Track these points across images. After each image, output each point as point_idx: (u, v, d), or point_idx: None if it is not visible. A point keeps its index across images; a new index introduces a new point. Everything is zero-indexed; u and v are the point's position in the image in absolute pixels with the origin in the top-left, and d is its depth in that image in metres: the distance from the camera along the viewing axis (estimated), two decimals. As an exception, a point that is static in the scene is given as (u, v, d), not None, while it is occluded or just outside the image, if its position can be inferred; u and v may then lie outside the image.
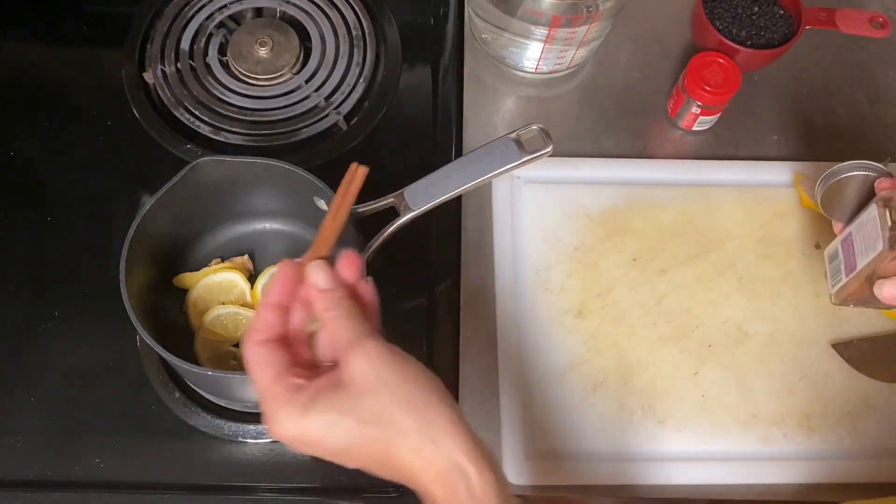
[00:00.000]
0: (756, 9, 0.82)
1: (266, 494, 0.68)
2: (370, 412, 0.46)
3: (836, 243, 0.67)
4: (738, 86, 0.77)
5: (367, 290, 0.53)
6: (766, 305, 0.74)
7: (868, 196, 0.64)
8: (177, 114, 0.80)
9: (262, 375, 0.48)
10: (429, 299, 0.74)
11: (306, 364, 0.50)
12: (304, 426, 0.46)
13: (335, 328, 0.49)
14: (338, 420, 0.46)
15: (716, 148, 0.82)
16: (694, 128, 0.81)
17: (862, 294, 0.64)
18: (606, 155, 0.80)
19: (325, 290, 0.50)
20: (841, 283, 0.65)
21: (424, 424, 0.46)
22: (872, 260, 0.61)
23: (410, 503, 0.67)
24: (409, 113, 0.83)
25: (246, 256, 0.72)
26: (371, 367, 0.47)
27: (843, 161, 0.66)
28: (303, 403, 0.46)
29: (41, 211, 0.76)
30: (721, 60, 0.77)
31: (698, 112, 0.79)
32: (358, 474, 0.68)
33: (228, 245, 0.73)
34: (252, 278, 0.71)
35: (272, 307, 0.50)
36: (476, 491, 0.46)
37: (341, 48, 0.84)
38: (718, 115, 0.80)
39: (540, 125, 0.66)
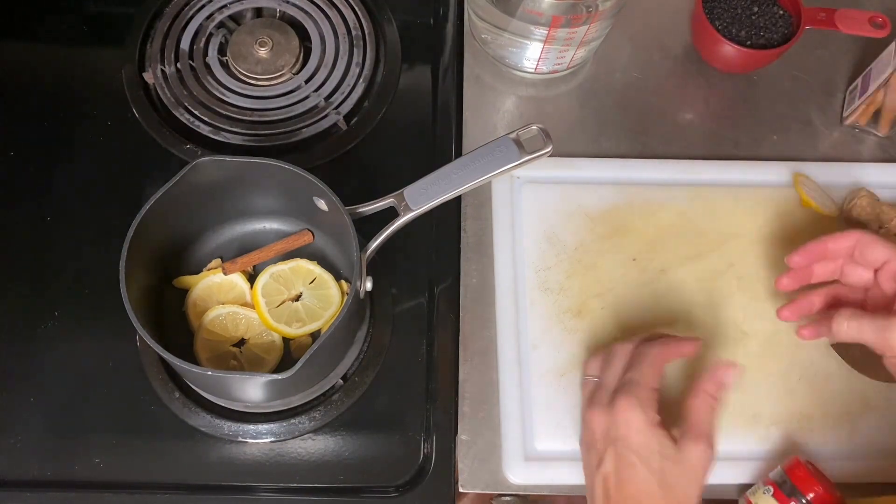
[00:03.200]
0: (756, 9, 0.82)
1: (266, 494, 0.68)
2: None
3: (858, 79, 0.83)
4: None
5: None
6: (766, 305, 0.74)
7: None
8: (176, 114, 0.80)
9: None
10: (429, 299, 0.74)
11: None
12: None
13: None
14: None
15: (716, 148, 0.82)
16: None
17: (864, 116, 0.81)
18: (606, 155, 0.80)
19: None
20: (852, 107, 0.81)
21: None
22: (881, 82, 0.76)
23: (410, 503, 0.68)
24: (408, 113, 0.83)
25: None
26: None
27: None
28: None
29: (41, 211, 0.77)
30: None
31: None
32: (357, 474, 0.68)
33: (228, 245, 0.73)
34: (251, 278, 0.71)
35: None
36: None
37: (341, 48, 0.84)
38: None
39: (540, 125, 0.66)
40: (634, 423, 0.59)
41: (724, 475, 0.68)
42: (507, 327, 0.72)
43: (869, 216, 0.75)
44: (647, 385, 0.60)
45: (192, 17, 0.84)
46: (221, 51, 0.83)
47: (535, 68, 0.83)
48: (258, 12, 0.86)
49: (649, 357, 0.62)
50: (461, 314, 0.73)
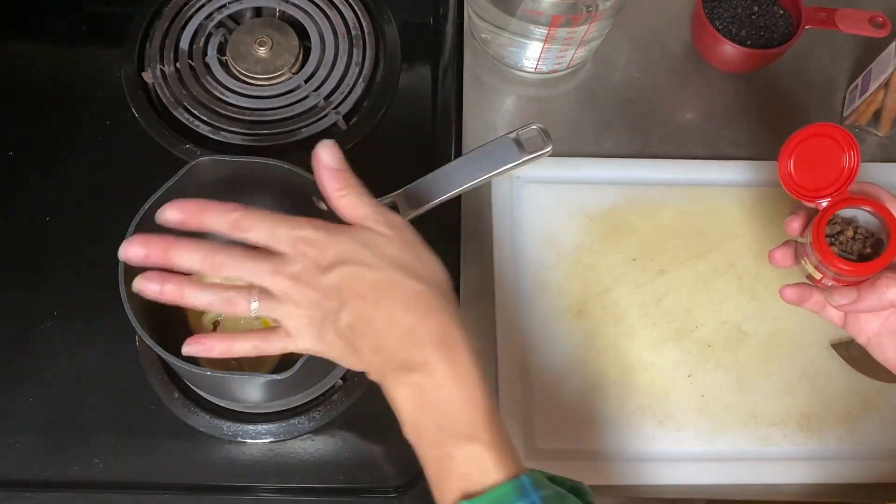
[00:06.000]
0: (756, 8, 0.82)
1: (265, 494, 0.68)
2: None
3: (858, 79, 0.82)
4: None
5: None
6: (766, 305, 0.74)
7: None
8: (176, 113, 0.80)
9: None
10: (428, 299, 0.74)
11: None
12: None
13: (347, 205, 0.53)
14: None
15: (716, 148, 0.82)
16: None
17: (863, 116, 0.81)
18: (606, 155, 0.80)
19: (336, 170, 0.53)
20: (853, 107, 0.81)
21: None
22: (881, 82, 0.76)
23: (410, 503, 0.68)
24: (408, 113, 0.83)
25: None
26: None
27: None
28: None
29: (41, 211, 0.76)
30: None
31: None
32: (357, 474, 0.68)
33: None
34: (252, 278, 0.71)
35: None
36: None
37: (341, 48, 0.84)
38: None
39: (540, 125, 0.66)
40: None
41: (724, 475, 0.68)
42: (507, 327, 0.72)
43: None
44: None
45: (191, 17, 0.84)
46: (221, 50, 0.83)
47: (535, 68, 0.83)
48: (258, 12, 0.86)
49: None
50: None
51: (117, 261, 0.60)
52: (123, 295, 0.59)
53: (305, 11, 0.85)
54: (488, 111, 0.83)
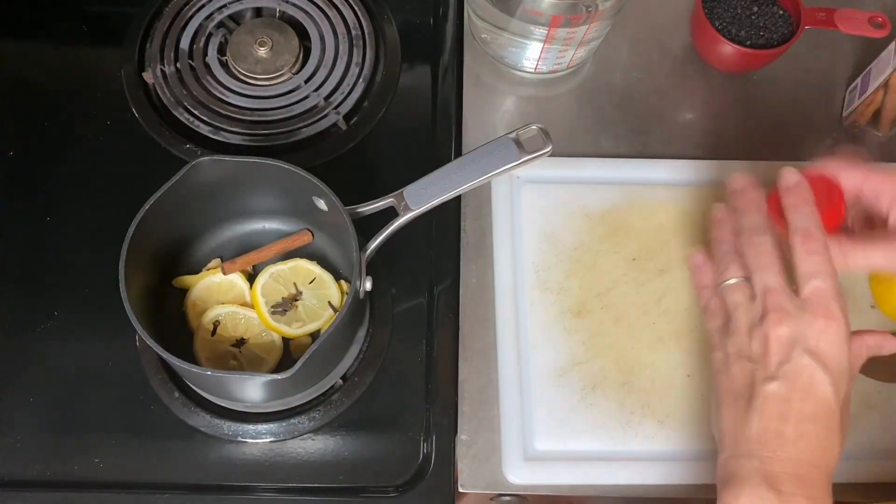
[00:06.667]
0: (755, 9, 0.82)
1: (265, 494, 0.68)
2: None
3: (857, 79, 0.83)
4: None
5: None
6: (765, 305, 0.74)
7: None
8: (176, 114, 0.80)
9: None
10: (429, 299, 0.74)
11: None
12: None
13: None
14: None
15: (716, 148, 0.82)
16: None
17: (863, 116, 0.81)
18: (606, 155, 0.80)
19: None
20: (852, 107, 0.81)
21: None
22: (881, 82, 0.77)
23: (410, 503, 0.68)
24: (408, 113, 0.83)
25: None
26: None
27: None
28: None
29: (41, 211, 0.77)
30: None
31: None
32: (357, 474, 0.68)
33: (228, 245, 0.73)
34: (251, 278, 0.71)
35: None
36: None
37: (341, 48, 0.84)
38: None
39: (539, 125, 0.66)
40: (834, 336, 0.52)
41: (724, 475, 0.68)
42: (506, 327, 0.72)
43: None
44: (836, 283, 0.53)
45: (191, 17, 0.84)
46: (221, 51, 0.83)
47: (535, 68, 0.83)
48: (258, 12, 0.86)
49: (821, 243, 0.54)
50: (461, 314, 0.73)
51: (117, 261, 0.60)
52: (123, 295, 0.59)
53: (305, 11, 0.85)
54: (488, 111, 0.83)
